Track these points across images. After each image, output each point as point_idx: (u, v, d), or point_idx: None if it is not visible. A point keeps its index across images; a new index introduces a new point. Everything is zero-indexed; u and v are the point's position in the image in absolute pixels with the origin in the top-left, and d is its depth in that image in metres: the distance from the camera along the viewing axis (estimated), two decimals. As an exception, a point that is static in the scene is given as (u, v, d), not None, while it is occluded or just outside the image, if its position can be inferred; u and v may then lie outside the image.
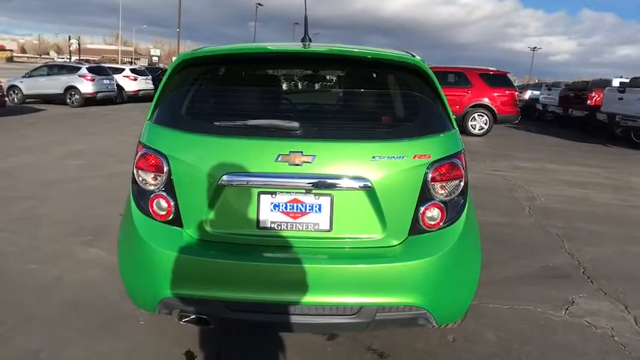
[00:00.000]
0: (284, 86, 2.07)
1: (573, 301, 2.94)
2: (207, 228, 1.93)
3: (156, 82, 20.03)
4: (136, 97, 18.33)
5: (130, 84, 18.31)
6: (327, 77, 2.04)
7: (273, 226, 1.92)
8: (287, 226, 1.92)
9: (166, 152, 1.93)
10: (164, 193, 1.95)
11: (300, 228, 1.92)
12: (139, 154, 2.00)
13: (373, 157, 1.89)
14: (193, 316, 1.95)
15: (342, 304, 1.88)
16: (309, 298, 1.86)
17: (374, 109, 2.05)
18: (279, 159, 1.85)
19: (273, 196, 1.91)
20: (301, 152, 1.85)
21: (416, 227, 1.95)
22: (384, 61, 2.03)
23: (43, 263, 3.18)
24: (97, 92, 15.65)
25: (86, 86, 15.29)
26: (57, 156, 6.87)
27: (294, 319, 1.90)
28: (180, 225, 1.95)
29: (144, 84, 19.01)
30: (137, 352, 2.27)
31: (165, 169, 1.93)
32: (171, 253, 1.89)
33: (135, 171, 2.01)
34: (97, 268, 3.14)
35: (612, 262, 3.67)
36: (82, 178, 5.61)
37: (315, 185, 1.86)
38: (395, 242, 1.94)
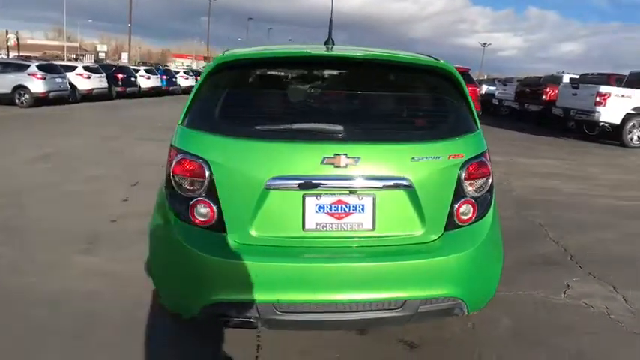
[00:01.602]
0: (322, 89, 2.10)
1: (569, 285, 3.17)
2: (252, 232, 1.94)
3: (110, 79, 19.21)
4: (90, 97, 17.50)
5: (83, 82, 17.45)
6: (364, 81, 2.10)
7: (318, 227, 1.96)
8: (332, 227, 1.96)
9: (207, 158, 1.92)
10: (206, 199, 1.93)
11: (345, 228, 1.97)
12: (176, 159, 1.97)
13: (413, 157, 1.97)
14: (240, 320, 1.95)
15: (388, 299, 1.95)
16: (356, 296, 1.92)
17: (410, 112, 2.14)
18: (325, 161, 1.89)
19: (318, 198, 1.94)
20: (346, 154, 1.90)
21: (451, 223, 2.06)
22: (417, 66, 2.11)
23: (42, 275, 3.04)
24: (49, 91, 14.82)
25: (37, 85, 14.43)
26: (24, 160, 6.48)
27: (342, 316, 1.95)
28: (224, 230, 1.95)
29: (98, 82, 18.17)
30: (168, 358, 2.25)
31: (207, 174, 1.92)
32: (218, 258, 1.89)
33: (171, 177, 1.98)
34: (101, 277, 3.03)
35: (594, 247, 3.98)
36: (57, 184, 5.34)
37: (370, 188, 1.92)
38: (433, 237, 2.04)
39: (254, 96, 2.08)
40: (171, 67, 38.51)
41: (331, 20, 2.30)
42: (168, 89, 25.21)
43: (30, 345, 2.29)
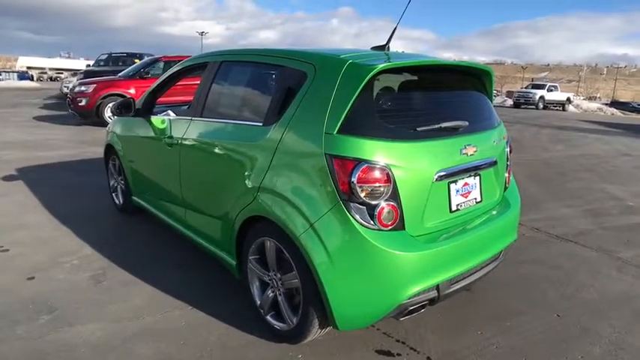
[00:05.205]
0: (440, 91, 2.40)
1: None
2: (423, 224, 2.18)
3: None
4: None
5: None
6: (460, 83, 2.53)
7: (458, 207, 2.36)
8: (463, 205, 2.40)
9: (388, 162, 2.03)
10: (391, 202, 2.05)
11: (469, 204, 2.44)
12: (358, 168, 1.98)
13: (494, 140, 2.59)
14: (418, 306, 2.18)
15: (497, 253, 2.55)
16: (486, 255, 2.45)
17: (481, 105, 2.68)
18: (462, 152, 2.30)
19: (456, 183, 2.34)
20: (471, 144, 2.35)
21: (504, 186, 2.79)
22: (480, 71, 2.67)
23: None
24: None
25: None
26: None
27: (479, 273, 2.45)
28: (403, 228, 2.11)
29: None
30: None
31: (392, 178, 2.03)
32: (414, 253, 2.08)
33: (353, 187, 1.99)
34: (143, 342, 2.43)
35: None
36: None
37: (479, 168, 2.42)
38: (500, 199, 2.73)
39: (403, 100, 2.25)
40: None
41: (395, 28, 2.58)
42: None
43: None
